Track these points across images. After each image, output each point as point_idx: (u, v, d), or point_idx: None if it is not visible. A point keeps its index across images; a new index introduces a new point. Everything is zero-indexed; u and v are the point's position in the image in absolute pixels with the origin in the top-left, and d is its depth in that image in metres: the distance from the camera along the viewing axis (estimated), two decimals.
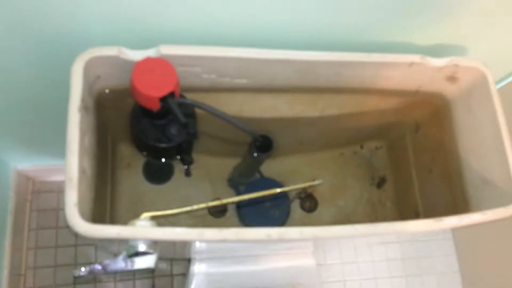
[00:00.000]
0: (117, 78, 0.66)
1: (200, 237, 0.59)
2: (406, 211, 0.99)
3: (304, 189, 1.02)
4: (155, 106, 0.63)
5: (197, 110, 0.71)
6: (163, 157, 0.80)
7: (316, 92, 0.79)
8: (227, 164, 1.00)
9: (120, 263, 0.58)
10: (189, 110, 0.70)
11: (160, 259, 0.62)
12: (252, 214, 0.96)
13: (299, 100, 0.82)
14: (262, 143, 0.78)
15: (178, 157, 0.79)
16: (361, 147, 1.07)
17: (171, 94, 0.62)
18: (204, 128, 0.80)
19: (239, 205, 0.99)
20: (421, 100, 0.84)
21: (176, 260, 1.21)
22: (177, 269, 1.21)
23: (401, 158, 1.00)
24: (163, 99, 0.61)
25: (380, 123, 0.96)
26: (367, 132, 1.02)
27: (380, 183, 1.05)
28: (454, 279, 1.27)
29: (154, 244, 0.60)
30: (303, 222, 1.01)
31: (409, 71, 0.74)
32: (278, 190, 0.70)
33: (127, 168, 0.95)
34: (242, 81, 0.71)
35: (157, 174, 0.98)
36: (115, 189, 0.91)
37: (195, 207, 0.64)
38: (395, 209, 1.02)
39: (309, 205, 1.03)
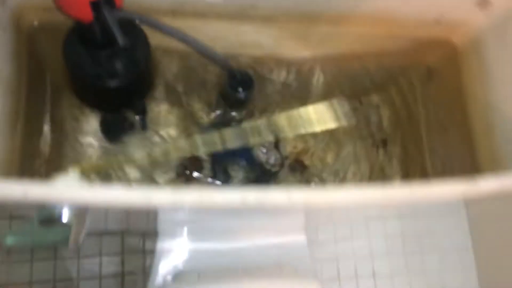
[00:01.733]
0: None
1: (146, 200, 0.43)
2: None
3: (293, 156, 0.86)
4: (86, 16, 0.45)
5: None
6: (108, 105, 0.61)
7: (309, 22, 0.64)
8: None
9: None
10: (139, 37, 0.52)
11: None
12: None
13: (287, 33, 0.66)
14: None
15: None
16: (360, 103, 0.89)
17: (109, 1, 0.45)
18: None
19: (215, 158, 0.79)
20: (439, 35, 0.69)
21: (148, 234, 1.02)
22: (150, 244, 1.01)
23: (407, 116, 0.83)
24: (96, 6, 0.45)
25: (384, 68, 0.79)
26: (366, 83, 0.84)
27: (381, 146, 0.88)
28: (462, 257, 1.11)
29: (80, 212, 0.44)
30: None
31: None
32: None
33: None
34: (216, 1, 0.58)
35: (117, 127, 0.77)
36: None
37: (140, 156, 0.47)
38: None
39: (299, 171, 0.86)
